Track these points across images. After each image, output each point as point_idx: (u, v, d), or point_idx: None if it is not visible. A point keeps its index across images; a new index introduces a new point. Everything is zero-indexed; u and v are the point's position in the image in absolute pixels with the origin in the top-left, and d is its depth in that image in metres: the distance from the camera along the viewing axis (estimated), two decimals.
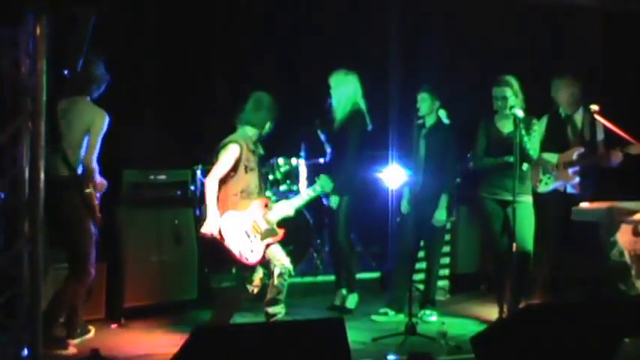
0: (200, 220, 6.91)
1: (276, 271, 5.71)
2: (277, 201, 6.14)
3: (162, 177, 6.70)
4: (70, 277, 5.52)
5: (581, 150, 6.61)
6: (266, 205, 5.85)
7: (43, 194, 4.70)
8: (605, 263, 6.10)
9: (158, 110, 7.77)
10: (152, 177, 6.65)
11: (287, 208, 5.92)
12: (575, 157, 6.59)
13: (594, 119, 6.68)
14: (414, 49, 8.09)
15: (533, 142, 6.14)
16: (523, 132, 5.98)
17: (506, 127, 6.25)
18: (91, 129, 5.45)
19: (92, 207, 5.50)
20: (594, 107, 6.57)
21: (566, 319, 4.21)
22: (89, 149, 5.44)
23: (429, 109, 6.46)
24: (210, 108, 8.07)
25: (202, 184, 7.35)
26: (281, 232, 5.83)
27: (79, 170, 5.46)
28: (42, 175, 4.70)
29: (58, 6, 4.74)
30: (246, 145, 5.77)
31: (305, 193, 6.07)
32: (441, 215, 6.45)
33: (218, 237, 5.63)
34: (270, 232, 5.77)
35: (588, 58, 8.27)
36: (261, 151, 5.96)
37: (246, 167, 5.75)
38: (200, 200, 7.22)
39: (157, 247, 6.47)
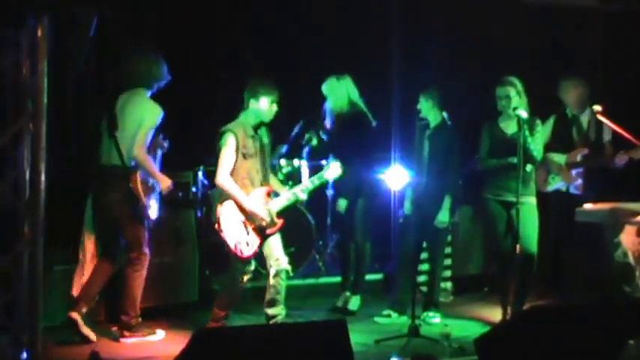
0: (201, 221, 6.92)
1: (272, 272, 5.70)
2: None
3: None
4: (126, 266, 5.79)
5: (585, 151, 6.59)
6: (268, 194, 5.79)
7: (44, 195, 4.69)
8: (609, 264, 6.08)
9: None
10: None
11: (291, 196, 5.84)
12: (579, 158, 6.58)
13: (601, 120, 6.66)
14: (416, 48, 8.07)
15: (536, 143, 6.11)
16: (527, 133, 5.96)
17: (509, 128, 6.23)
18: (143, 121, 5.66)
19: (135, 200, 5.67)
20: (597, 108, 6.56)
21: (569, 321, 4.20)
22: (137, 140, 5.63)
23: (428, 111, 6.44)
24: (211, 109, 8.04)
25: (204, 186, 7.36)
26: (280, 222, 5.76)
27: (132, 163, 5.68)
28: (42, 177, 4.69)
29: (58, 6, 4.72)
30: (243, 132, 5.69)
31: (312, 179, 5.95)
32: (443, 217, 6.41)
33: (218, 227, 5.62)
34: (268, 226, 5.71)
35: (589, 59, 8.25)
36: (265, 139, 5.86)
37: (244, 154, 5.68)
38: (201, 202, 7.21)
39: (158, 249, 6.44)
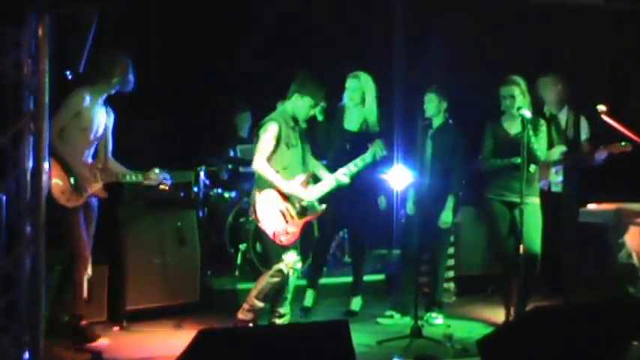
0: (203, 221, 6.90)
1: (292, 271, 5.74)
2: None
3: None
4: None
5: (564, 149, 6.63)
6: (306, 183, 5.78)
7: (45, 195, 4.67)
8: (613, 265, 6.06)
9: (161, 112, 7.74)
10: None
11: (332, 181, 5.82)
12: (557, 155, 6.62)
13: (578, 118, 6.72)
14: (416, 48, 8.06)
15: (540, 144, 6.09)
16: (531, 133, 5.94)
17: (513, 127, 6.21)
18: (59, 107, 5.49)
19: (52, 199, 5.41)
20: (602, 108, 6.55)
21: (573, 322, 4.18)
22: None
23: (436, 110, 6.40)
24: (213, 110, 8.04)
25: (205, 186, 7.33)
26: (322, 207, 5.79)
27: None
28: (44, 177, 4.66)
29: (59, 6, 4.71)
30: (284, 122, 5.71)
31: (356, 162, 5.89)
32: (447, 217, 6.40)
33: (255, 216, 5.63)
34: (309, 210, 5.73)
35: (592, 59, 8.24)
36: (303, 124, 5.86)
37: (287, 144, 5.69)
38: (203, 202, 7.19)
39: (160, 249, 6.43)
